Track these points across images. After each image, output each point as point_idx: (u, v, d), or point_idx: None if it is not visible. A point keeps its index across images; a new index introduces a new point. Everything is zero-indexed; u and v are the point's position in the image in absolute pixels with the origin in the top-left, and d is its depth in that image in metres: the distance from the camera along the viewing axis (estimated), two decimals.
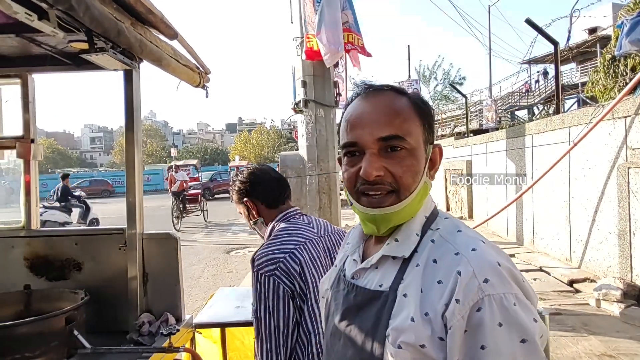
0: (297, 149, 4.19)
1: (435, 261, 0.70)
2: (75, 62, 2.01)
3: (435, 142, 0.79)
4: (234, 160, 34.88)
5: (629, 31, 3.35)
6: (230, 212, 16.57)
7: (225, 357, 2.21)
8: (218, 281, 6.56)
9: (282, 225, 1.44)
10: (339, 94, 4.02)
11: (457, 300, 0.63)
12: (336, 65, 3.99)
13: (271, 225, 1.47)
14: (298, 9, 4.20)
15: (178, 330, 1.72)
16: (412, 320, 0.65)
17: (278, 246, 1.32)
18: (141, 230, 1.97)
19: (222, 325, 2.09)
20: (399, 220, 0.74)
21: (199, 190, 13.54)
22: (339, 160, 0.88)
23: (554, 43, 5.08)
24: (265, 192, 1.50)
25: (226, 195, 21.80)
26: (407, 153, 0.72)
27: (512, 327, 0.61)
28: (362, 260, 0.82)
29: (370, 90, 0.78)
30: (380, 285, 0.74)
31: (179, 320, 1.99)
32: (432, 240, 0.73)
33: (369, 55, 4.16)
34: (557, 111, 5.34)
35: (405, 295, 0.69)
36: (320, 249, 1.40)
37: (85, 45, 1.67)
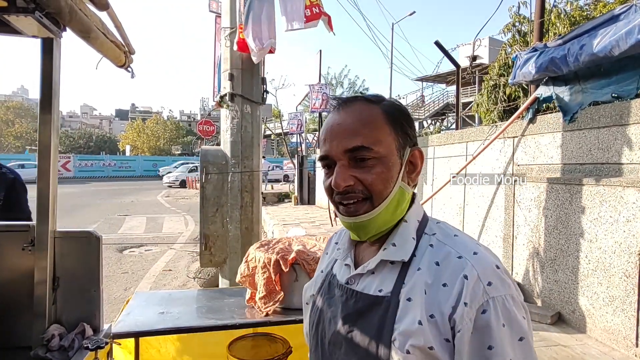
0: (199, 142, 3.94)
1: (437, 264, 0.71)
2: None
3: (414, 146, 0.78)
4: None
5: (522, 64, 3.92)
6: (121, 206, 15.11)
7: None
8: (112, 284, 5.93)
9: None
10: (266, 91, 3.93)
11: (466, 304, 0.65)
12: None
13: None
14: None
15: (107, 343, 1.50)
16: (420, 323, 0.66)
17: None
18: (54, 227, 1.68)
19: (150, 334, 1.89)
20: (377, 227, 0.75)
21: None
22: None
23: (457, 66, 5.72)
24: None
25: None
26: (377, 162, 0.73)
27: (513, 326, 0.65)
28: (355, 265, 0.81)
29: (341, 102, 0.77)
30: (380, 291, 0.73)
31: (96, 330, 1.74)
32: (431, 245, 0.74)
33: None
34: (457, 127, 5.99)
35: (409, 300, 0.69)
36: None
37: (3, 3, 1.38)
